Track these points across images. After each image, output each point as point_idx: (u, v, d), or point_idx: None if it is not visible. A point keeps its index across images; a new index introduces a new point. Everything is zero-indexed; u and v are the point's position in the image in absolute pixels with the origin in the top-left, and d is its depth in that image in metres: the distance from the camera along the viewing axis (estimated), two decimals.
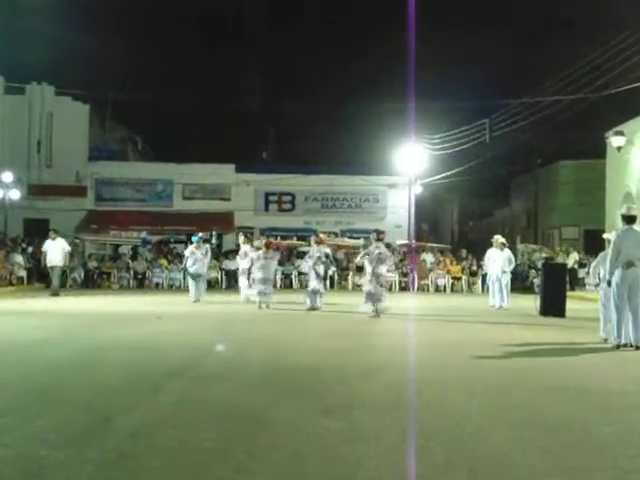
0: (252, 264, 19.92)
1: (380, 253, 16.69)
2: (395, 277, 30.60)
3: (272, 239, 22.50)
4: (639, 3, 26.21)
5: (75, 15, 40.60)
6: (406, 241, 34.57)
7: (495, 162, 40.57)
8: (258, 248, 20.23)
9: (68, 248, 24.32)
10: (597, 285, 12.95)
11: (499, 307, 19.76)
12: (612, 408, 6.61)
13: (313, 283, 18.39)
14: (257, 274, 19.17)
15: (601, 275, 12.18)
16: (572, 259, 29.18)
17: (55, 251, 23.50)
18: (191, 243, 23.19)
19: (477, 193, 52.23)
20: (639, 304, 11.04)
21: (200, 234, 22.40)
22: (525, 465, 4.78)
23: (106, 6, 47.07)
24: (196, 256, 20.98)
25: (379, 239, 17.09)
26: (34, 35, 38.48)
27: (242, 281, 21.33)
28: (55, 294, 22.89)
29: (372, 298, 16.50)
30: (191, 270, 20.98)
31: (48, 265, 23.63)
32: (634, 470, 4.74)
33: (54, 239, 23.74)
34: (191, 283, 21.29)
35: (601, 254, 12.64)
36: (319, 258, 18.55)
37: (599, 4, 40.92)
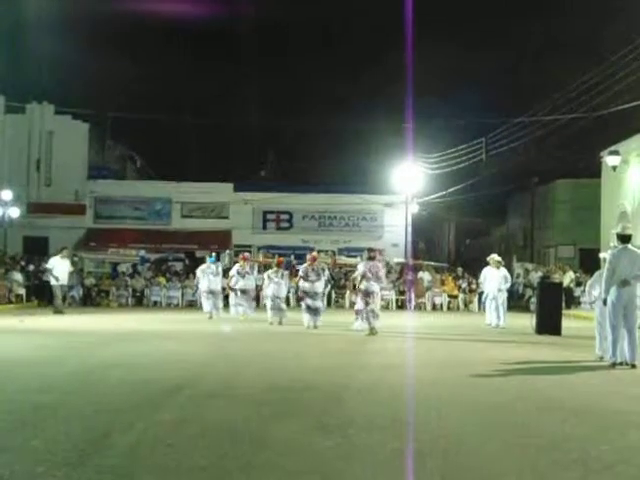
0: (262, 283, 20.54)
1: (372, 271, 16.74)
2: (392, 295, 30.63)
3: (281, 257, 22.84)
4: (635, 25, 26.41)
5: (75, 35, 40.80)
6: (403, 260, 34.64)
7: (492, 181, 40.70)
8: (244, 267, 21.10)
9: (72, 269, 24.59)
10: (592, 303, 13.01)
11: (495, 325, 19.78)
12: (609, 427, 6.62)
13: (309, 302, 18.48)
14: (270, 292, 19.78)
15: (596, 293, 12.23)
16: (568, 278, 29.22)
17: (64, 268, 23.51)
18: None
19: (474, 212, 52.30)
20: (634, 322, 11.09)
21: (214, 254, 23.32)
22: None
23: (105, 26, 47.30)
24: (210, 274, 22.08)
25: (370, 257, 17.14)
26: (34, 55, 38.70)
27: (242, 300, 21.44)
28: (60, 312, 22.86)
29: (365, 316, 16.55)
30: (210, 287, 22.00)
31: (57, 283, 23.38)
32: None
33: (63, 257, 23.77)
34: (206, 300, 22.29)
35: (597, 272, 12.70)
36: (313, 276, 18.63)
37: (596, 26, 41.23)
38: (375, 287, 16.76)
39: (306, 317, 18.42)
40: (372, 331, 16.29)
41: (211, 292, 21.96)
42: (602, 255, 13.32)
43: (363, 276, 16.61)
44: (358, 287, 16.84)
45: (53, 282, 23.45)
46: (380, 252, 18.64)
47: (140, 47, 51.27)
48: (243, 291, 21.28)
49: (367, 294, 16.56)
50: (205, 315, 21.74)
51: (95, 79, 46.84)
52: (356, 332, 16.51)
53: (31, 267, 30.56)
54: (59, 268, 23.39)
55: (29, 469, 4.98)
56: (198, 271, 22.46)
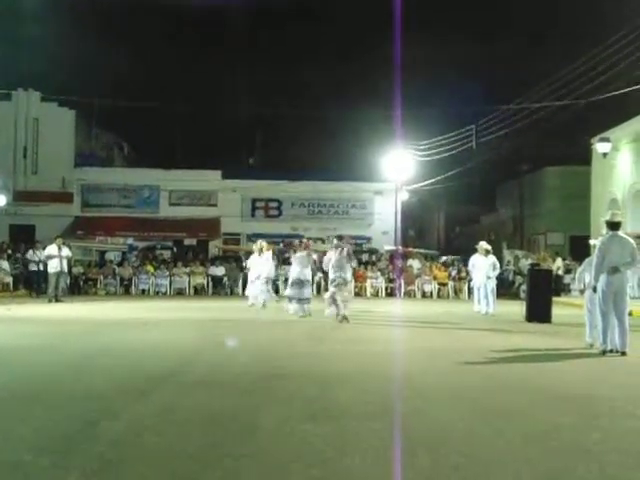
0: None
1: (340, 258, 16.59)
2: (381, 283, 30.70)
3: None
4: (626, 12, 26.37)
5: (61, 21, 40.52)
6: (393, 247, 34.70)
7: (481, 168, 40.71)
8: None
9: (70, 254, 24.62)
10: (582, 291, 13.00)
11: (485, 313, 19.80)
12: (599, 414, 6.61)
13: (299, 290, 18.32)
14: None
15: (587, 281, 12.23)
16: (555, 265, 29.27)
17: (62, 255, 23.52)
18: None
19: (464, 199, 52.39)
20: (624, 310, 11.10)
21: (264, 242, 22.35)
22: (511, 471, 4.79)
23: (92, 12, 47.05)
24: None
25: (338, 245, 16.93)
26: (20, 41, 38.41)
27: (259, 287, 21.16)
28: (59, 300, 22.99)
29: (335, 303, 16.49)
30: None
31: (54, 271, 23.37)
32: (621, 477, 4.75)
33: (58, 245, 23.65)
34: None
35: (587, 260, 12.69)
36: (305, 263, 18.51)
37: (587, 13, 41.19)
38: (347, 275, 16.66)
39: (294, 306, 18.23)
40: (344, 318, 16.23)
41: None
42: (592, 242, 13.34)
43: (339, 265, 16.48)
44: (335, 276, 16.60)
45: (50, 270, 23.46)
46: (347, 239, 18.23)
47: (127, 34, 50.97)
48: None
49: (340, 282, 16.45)
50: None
51: (81, 66, 46.57)
52: (327, 318, 16.47)
53: (18, 255, 30.40)
54: (55, 256, 23.42)
55: (16, 457, 4.92)
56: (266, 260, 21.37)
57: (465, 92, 41.87)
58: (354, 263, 17.37)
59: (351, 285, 17.07)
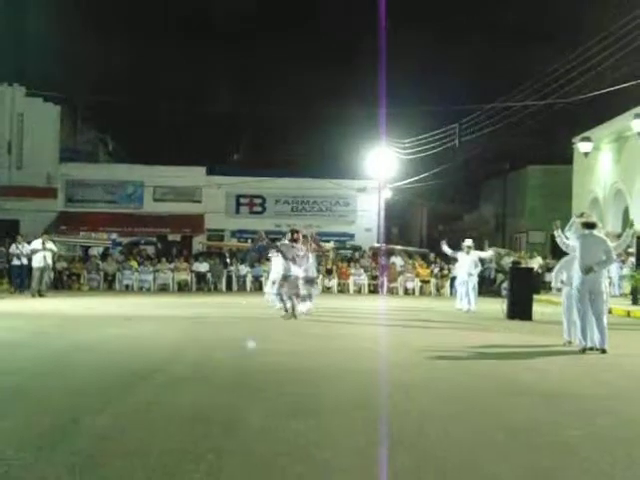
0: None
1: (296, 254, 16.24)
2: (364, 280, 30.79)
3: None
4: (607, 13, 26.54)
5: (46, 16, 40.26)
6: (377, 244, 34.78)
7: (464, 167, 40.80)
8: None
9: (55, 250, 24.82)
10: (560, 289, 13.10)
11: (466, 310, 19.89)
12: (580, 412, 6.68)
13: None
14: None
15: (564, 278, 12.32)
16: (536, 263, 29.40)
17: (47, 252, 23.78)
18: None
19: (446, 197, 52.42)
20: (602, 308, 11.21)
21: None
22: (492, 468, 4.85)
23: (77, 7, 46.73)
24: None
25: (293, 239, 16.42)
26: (4, 36, 38.14)
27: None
28: (41, 295, 23.16)
29: (286, 298, 16.25)
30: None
31: (38, 265, 23.52)
32: (602, 473, 4.81)
33: (44, 241, 23.96)
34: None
35: (563, 258, 12.77)
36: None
37: (569, 13, 41.39)
38: (295, 271, 16.18)
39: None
40: (292, 314, 16.02)
41: None
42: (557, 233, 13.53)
43: (294, 260, 16.14)
44: (288, 272, 16.16)
45: (35, 264, 23.60)
46: (310, 235, 17.57)
47: (112, 29, 50.74)
48: None
49: (285, 278, 16.13)
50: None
51: (67, 61, 46.28)
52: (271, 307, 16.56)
53: (1, 249, 30.24)
54: (39, 252, 23.62)
55: None
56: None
57: (449, 90, 42.00)
58: (306, 259, 16.84)
59: (300, 282, 16.43)
